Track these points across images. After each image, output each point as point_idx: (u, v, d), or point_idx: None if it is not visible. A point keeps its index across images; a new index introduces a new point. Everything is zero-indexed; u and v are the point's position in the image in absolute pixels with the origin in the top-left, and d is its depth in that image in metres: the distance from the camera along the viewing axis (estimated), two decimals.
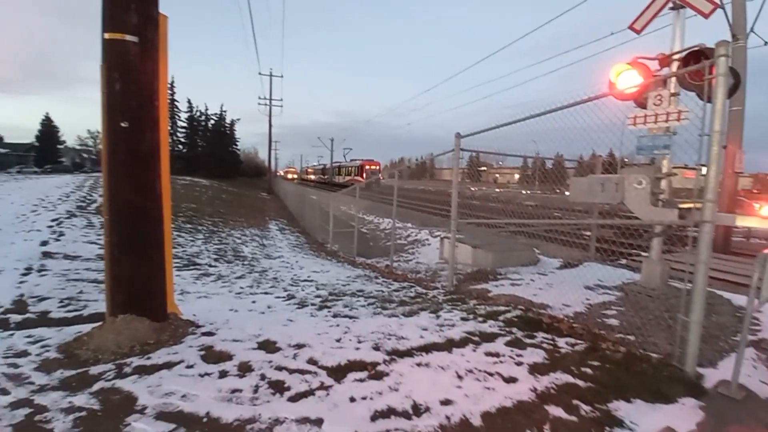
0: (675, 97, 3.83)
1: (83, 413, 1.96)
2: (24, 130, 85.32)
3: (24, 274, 4.88)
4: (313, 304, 4.38)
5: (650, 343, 3.00)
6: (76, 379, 2.31)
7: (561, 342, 3.01)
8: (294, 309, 4.18)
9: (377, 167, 38.77)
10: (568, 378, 2.43)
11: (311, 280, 6.38)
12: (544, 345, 2.96)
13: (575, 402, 2.17)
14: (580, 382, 2.38)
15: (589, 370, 2.54)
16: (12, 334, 3.06)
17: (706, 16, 4.42)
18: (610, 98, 3.53)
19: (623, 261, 6.43)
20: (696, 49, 3.89)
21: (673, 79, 4.01)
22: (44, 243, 6.54)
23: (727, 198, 8.00)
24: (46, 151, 50.67)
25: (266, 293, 5.14)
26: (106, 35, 2.67)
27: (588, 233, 8.56)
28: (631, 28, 5.13)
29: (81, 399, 2.09)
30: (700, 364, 2.56)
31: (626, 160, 7.13)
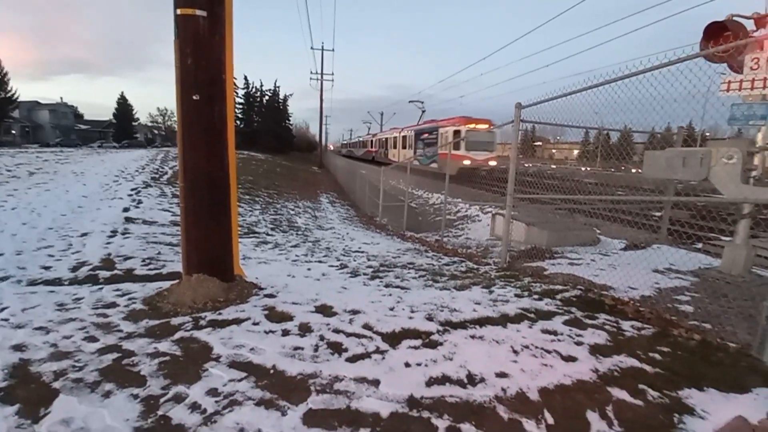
0: None
1: (167, 358, 2.20)
2: (102, 108, 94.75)
3: (110, 236, 5.48)
4: (365, 274, 4.50)
5: (728, 332, 2.74)
6: (160, 328, 2.59)
7: (626, 325, 2.85)
8: (347, 277, 4.32)
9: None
10: (634, 362, 2.30)
11: (362, 251, 6.53)
12: (607, 327, 2.81)
13: (642, 387, 2.05)
14: (648, 368, 2.25)
15: (657, 356, 2.38)
16: (101, 288, 3.46)
17: None
18: (694, 62, 3.11)
19: (699, 245, 5.87)
20: None
21: None
22: (126, 209, 7.26)
23: None
24: (122, 128, 55.54)
25: (320, 262, 5.36)
26: (179, 11, 2.79)
27: (657, 214, 7.88)
28: None
29: (165, 345, 2.34)
30: None
31: (707, 133, 6.34)
